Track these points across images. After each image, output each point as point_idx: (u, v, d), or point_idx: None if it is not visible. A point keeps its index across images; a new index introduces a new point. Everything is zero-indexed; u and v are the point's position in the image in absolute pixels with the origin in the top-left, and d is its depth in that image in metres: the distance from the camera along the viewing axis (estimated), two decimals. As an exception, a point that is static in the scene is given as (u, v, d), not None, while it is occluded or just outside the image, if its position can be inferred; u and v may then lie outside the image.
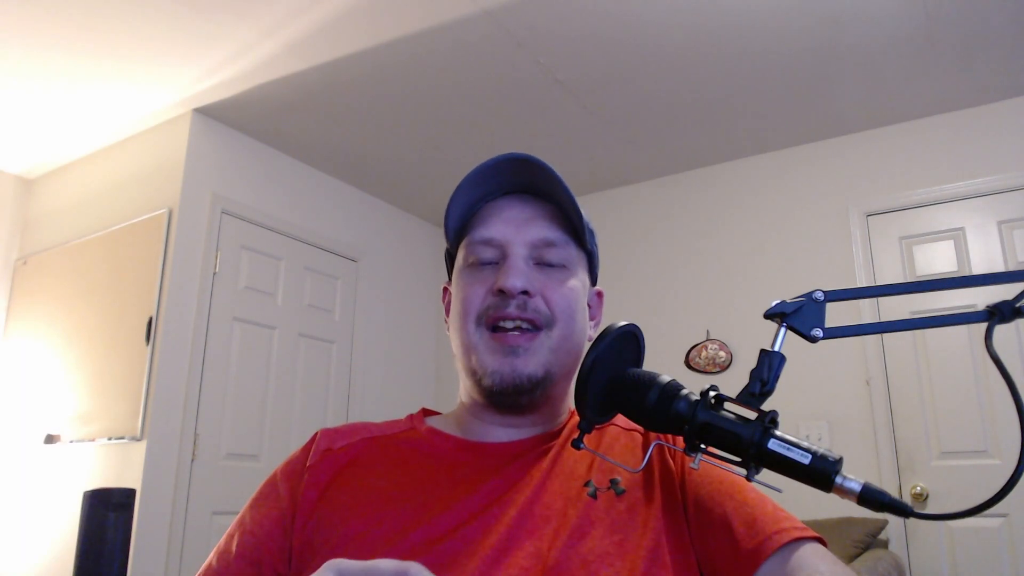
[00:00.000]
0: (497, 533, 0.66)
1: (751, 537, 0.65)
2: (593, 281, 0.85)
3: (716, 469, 0.72)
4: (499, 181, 0.79)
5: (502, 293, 0.74)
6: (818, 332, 0.60)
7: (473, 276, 0.77)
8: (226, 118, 3.14)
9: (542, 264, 0.77)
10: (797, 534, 0.65)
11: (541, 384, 0.74)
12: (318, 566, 0.68)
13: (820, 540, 0.67)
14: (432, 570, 0.63)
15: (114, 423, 2.84)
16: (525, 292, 0.74)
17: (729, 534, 0.67)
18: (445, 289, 0.86)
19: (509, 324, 0.74)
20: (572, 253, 0.79)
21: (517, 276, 0.73)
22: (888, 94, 2.94)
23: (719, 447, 0.58)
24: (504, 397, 0.74)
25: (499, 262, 0.77)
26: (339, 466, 0.76)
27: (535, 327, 0.74)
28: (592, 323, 0.84)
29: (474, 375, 0.75)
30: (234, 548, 0.74)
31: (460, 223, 0.81)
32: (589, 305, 0.83)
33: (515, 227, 0.77)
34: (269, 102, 3.00)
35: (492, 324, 0.74)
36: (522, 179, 0.79)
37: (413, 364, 4.03)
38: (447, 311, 0.84)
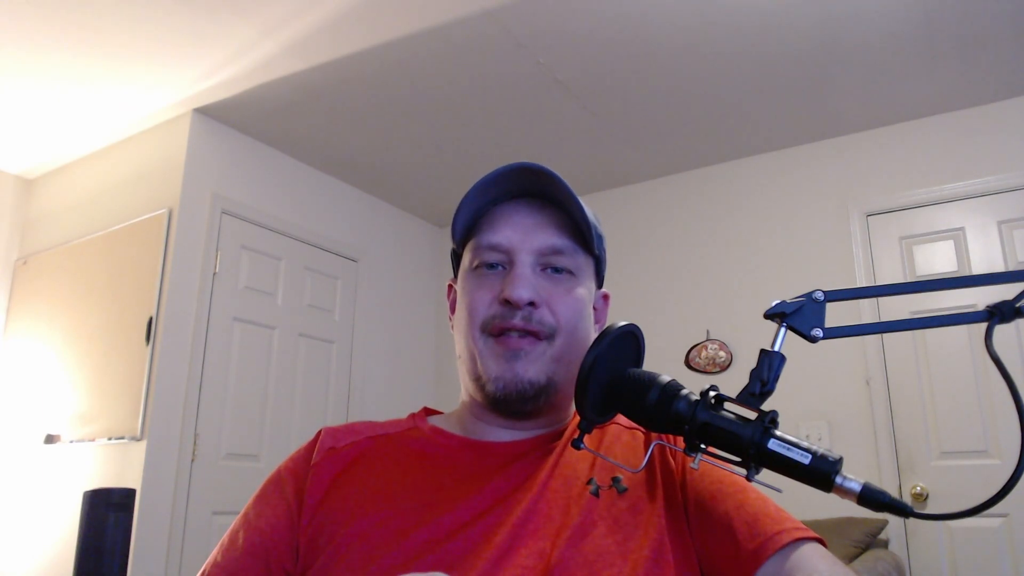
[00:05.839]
0: (501, 533, 0.66)
1: (752, 538, 0.65)
2: (599, 284, 0.85)
3: (717, 469, 0.72)
4: (508, 187, 0.79)
5: (508, 303, 0.74)
6: (818, 332, 0.60)
7: (479, 281, 0.77)
8: (226, 118, 3.14)
9: (549, 271, 0.77)
10: (798, 534, 0.65)
11: (544, 391, 0.74)
12: (324, 564, 0.68)
13: (820, 541, 0.67)
14: (437, 570, 0.64)
15: (114, 423, 2.84)
16: (531, 303, 0.74)
17: (730, 534, 0.67)
18: (450, 287, 0.86)
19: (514, 334, 0.74)
20: (580, 260, 0.79)
21: (524, 287, 0.73)
22: (888, 94, 2.94)
23: (719, 447, 0.58)
24: (507, 404, 0.74)
25: (506, 267, 0.77)
26: (343, 465, 0.76)
27: (538, 338, 0.74)
28: (597, 326, 0.84)
29: (478, 380, 0.76)
30: (240, 543, 0.73)
31: (468, 225, 0.81)
32: (595, 308, 0.83)
33: (523, 233, 0.77)
34: (269, 102, 3.00)
35: (497, 333, 0.75)
36: (531, 185, 0.79)
37: (413, 364, 4.02)
38: (451, 308, 0.84)
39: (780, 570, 0.63)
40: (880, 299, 2.91)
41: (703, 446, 0.60)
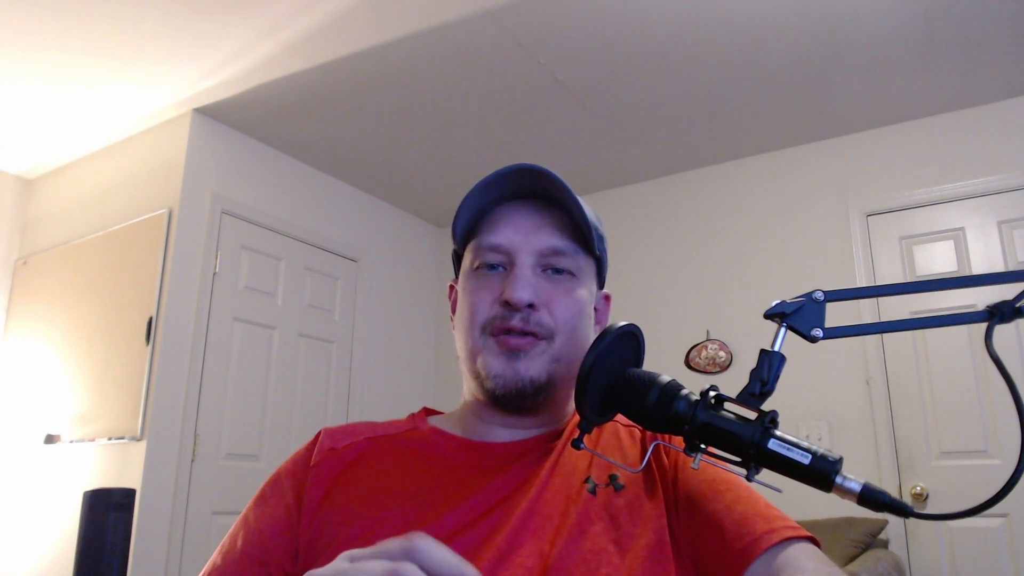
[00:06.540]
0: (502, 534, 0.67)
1: (740, 537, 0.65)
2: (601, 285, 0.85)
3: (711, 467, 0.71)
4: (509, 188, 0.79)
5: (508, 304, 0.74)
6: (818, 332, 0.60)
7: (480, 282, 0.77)
8: (226, 118, 3.14)
9: (549, 272, 0.77)
10: (788, 534, 0.65)
11: (544, 389, 0.75)
12: (324, 565, 0.68)
13: (813, 540, 0.66)
14: None
15: (114, 423, 2.84)
16: (530, 305, 0.74)
17: (719, 534, 0.66)
18: (452, 287, 0.86)
19: (513, 333, 0.74)
20: (580, 262, 0.79)
21: (524, 288, 0.74)
22: (888, 94, 2.94)
23: (719, 447, 0.58)
24: (508, 401, 0.75)
25: (506, 268, 0.77)
26: (343, 465, 0.76)
27: (536, 338, 0.75)
28: (598, 327, 0.84)
29: (478, 378, 0.76)
30: (240, 546, 0.73)
31: (469, 226, 0.81)
32: (596, 309, 0.84)
33: (523, 234, 0.77)
34: (269, 102, 3.00)
35: (497, 334, 0.75)
36: (532, 186, 0.79)
37: (413, 364, 4.03)
38: (453, 309, 0.84)
39: (767, 570, 0.62)
40: (880, 299, 2.91)
41: (703, 446, 0.59)
